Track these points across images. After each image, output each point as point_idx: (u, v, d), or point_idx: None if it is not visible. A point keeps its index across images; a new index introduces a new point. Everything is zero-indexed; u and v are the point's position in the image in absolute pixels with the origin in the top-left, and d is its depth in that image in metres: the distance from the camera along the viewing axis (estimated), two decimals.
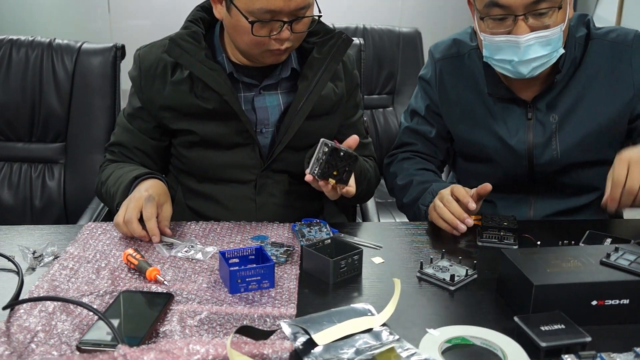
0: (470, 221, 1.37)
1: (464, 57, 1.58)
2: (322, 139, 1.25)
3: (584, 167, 1.54)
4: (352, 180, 1.30)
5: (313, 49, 1.45)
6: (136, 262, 1.17)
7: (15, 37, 1.97)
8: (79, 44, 1.97)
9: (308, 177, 1.27)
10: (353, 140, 1.32)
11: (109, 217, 1.77)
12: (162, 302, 1.05)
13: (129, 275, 1.17)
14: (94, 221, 1.64)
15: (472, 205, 1.36)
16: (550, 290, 1.01)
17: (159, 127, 1.50)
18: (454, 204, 1.38)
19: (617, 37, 1.48)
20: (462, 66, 1.58)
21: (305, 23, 1.35)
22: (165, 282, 1.13)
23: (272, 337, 0.96)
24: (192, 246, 1.27)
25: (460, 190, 1.39)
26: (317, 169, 1.25)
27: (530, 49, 1.37)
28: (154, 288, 1.12)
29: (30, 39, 1.97)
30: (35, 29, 3.79)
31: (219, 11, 1.38)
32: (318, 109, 1.45)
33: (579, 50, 1.48)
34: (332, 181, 1.26)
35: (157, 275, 1.14)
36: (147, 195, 1.30)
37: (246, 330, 0.92)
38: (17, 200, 1.95)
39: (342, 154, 1.25)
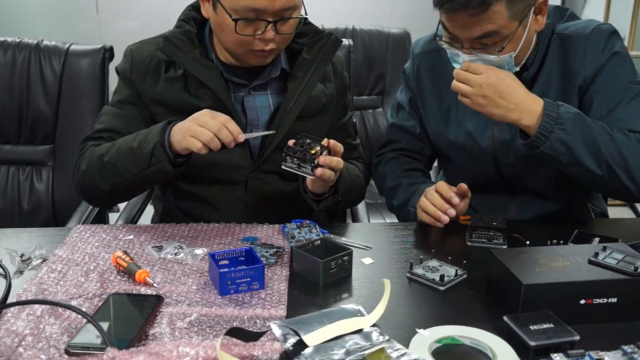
0: (453, 212, 1.40)
1: (441, 52, 1.55)
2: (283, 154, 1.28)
3: (553, 169, 1.50)
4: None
5: (302, 50, 1.45)
6: (125, 265, 1.17)
7: (2, 39, 1.96)
8: (67, 45, 1.96)
9: (319, 172, 1.27)
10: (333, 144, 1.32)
11: (97, 219, 1.76)
12: (151, 305, 1.04)
13: (118, 277, 1.16)
14: (83, 223, 1.63)
15: (456, 200, 1.39)
16: (539, 289, 1.02)
17: (152, 120, 1.46)
18: (435, 196, 1.41)
19: (576, 29, 1.44)
20: (439, 61, 1.57)
21: (291, 25, 1.35)
22: (155, 285, 1.12)
23: (262, 338, 0.95)
24: (181, 248, 1.27)
25: (443, 185, 1.42)
26: (308, 166, 1.27)
27: None
28: (143, 290, 1.11)
29: (18, 40, 1.96)
30: (23, 30, 3.76)
31: (206, 9, 1.39)
32: (308, 109, 1.46)
33: (543, 49, 1.45)
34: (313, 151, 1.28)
35: (147, 278, 1.13)
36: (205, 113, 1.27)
37: (236, 332, 0.91)
38: (5, 203, 1.94)
39: (301, 141, 1.29)
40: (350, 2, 4.07)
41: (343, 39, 2.03)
